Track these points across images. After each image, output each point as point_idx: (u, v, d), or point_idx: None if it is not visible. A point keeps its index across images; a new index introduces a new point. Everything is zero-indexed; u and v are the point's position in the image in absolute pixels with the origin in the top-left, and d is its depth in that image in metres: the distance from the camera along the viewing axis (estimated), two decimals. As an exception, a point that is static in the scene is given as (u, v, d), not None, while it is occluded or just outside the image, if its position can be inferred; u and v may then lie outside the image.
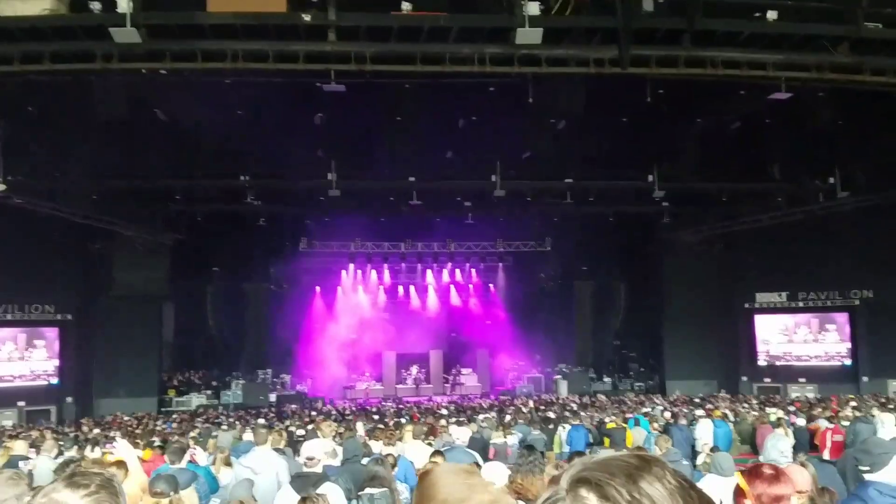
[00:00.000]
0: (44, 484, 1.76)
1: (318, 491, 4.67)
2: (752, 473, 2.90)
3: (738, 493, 2.89)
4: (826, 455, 10.25)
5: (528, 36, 12.10)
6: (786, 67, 13.82)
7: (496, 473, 5.10)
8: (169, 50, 12.50)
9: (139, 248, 25.05)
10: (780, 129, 21.01)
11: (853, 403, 15.87)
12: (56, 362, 25.33)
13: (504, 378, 32.14)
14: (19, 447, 8.99)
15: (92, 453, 10.02)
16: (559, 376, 29.87)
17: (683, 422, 13.31)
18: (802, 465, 5.90)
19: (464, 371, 31.74)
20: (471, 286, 33.44)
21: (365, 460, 7.07)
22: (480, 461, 7.09)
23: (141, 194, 22.61)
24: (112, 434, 14.65)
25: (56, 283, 24.74)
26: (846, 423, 11.28)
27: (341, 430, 12.59)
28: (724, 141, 22.66)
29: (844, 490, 5.89)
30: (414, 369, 31.31)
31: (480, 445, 10.29)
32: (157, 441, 12.36)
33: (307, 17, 12.05)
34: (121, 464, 4.58)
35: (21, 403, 24.08)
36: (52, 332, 25.43)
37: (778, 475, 2.84)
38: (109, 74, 14.20)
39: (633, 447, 12.13)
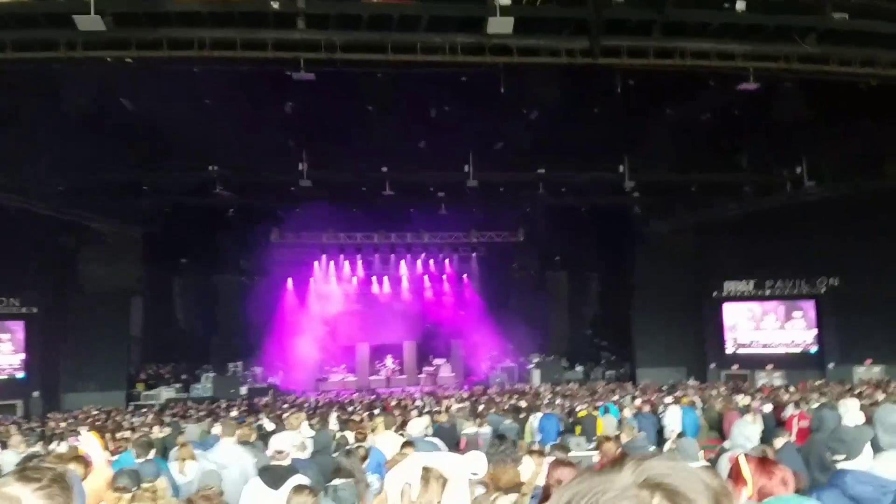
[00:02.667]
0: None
1: (286, 483, 4.64)
2: (761, 468, 2.85)
3: (737, 477, 2.85)
4: (792, 440, 10.41)
5: (500, 25, 12.09)
6: (754, 58, 13.99)
7: (476, 463, 5.12)
8: (134, 38, 12.30)
9: (108, 242, 24.65)
10: (749, 121, 21.28)
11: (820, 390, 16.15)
12: (22, 356, 24.91)
13: (478, 368, 32.25)
14: (-18, 443, 8.85)
15: (58, 448, 9.87)
16: (532, 365, 30.03)
17: (647, 409, 13.49)
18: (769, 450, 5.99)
19: (437, 361, 31.78)
20: (444, 277, 33.45)
21: (337, 454, 7.04)
22: (445, 450, 7.11)
23: (109, 187, 22.22)
24: (79, 429, 14.44)
25: (23, 276, 24.27)
26: (814, 408, 11.48)
27: (314, 422, 12.52)
28: (694, 132, 22.86)
29: (807, 476, 5.98)
30: (388, 360, 31.28)
31: (451, 436, 10.30)
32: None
33: (276, 5, 11.92)
34: (80, 459, 4.50)
35: (-14, 398, 23.67)
36: (17, 326, 24.98)
37: (786, 481, 2.81)
38: (75, 65, 13.91)
39: (602, 435, 12.26)
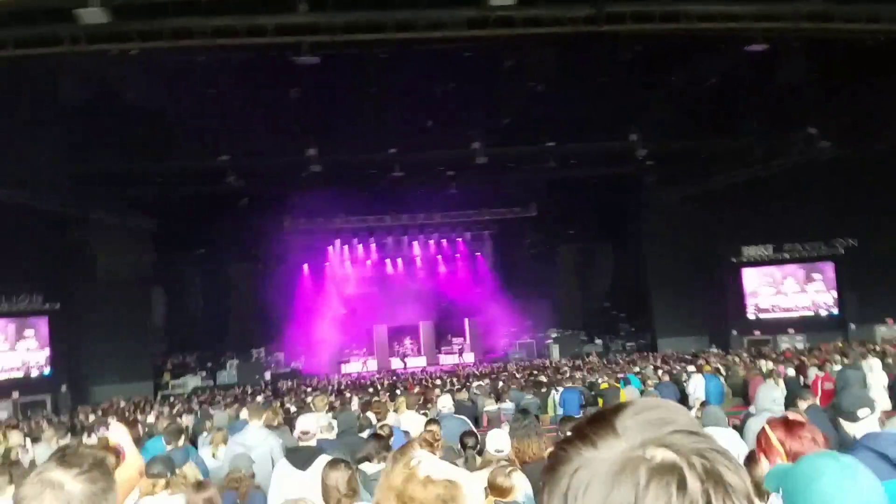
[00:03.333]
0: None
1: (314, 464, 4.67)
2: (789, 431, 2.81)
3: (768, 447, 2.81)
4: (817, 402, 10.37)
5: (503, -3, 11.96)
6: (760, 18, 13.75)
7: (501, 441, 5.15)
8: (137, 30, 12.27)
9: (121, 234, 24.80)
10: (758, 84, 21.01)
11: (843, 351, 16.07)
12: (47, 352, 25.22)
13: (495, 345, 32.33)
14: (15, 438, 9.01)
15: (88, 439, 10.00)
16: (551, 341, 30.06)
17: (667, 378, 13.48)
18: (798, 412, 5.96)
19: (455, 340, 31.88)
20: (458, 256, 33.44)
21: (364, 433, 7.09)
22: (471, 425, 7.15)
23: (120, 179, 22.33)
24: (109, 420, 14.64)
25: (42, 273, 24.49)
26: (837, 369, 11.43)
27: (336, 403, 12.62)
28: (701, 98, 22.63)
29: (836, 437, 5.95)
30: (406, 341, 31.43)
31: (472, 413, 10.35)
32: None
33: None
34: (111, 450, 4.55)
35: (15, 395, 24.00)
36: (41, 322, 25.27)
37: (817, 440, 2.77)
38: (80, 58, 13.94)
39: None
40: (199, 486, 4.28)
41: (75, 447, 7.21)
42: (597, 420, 0.80)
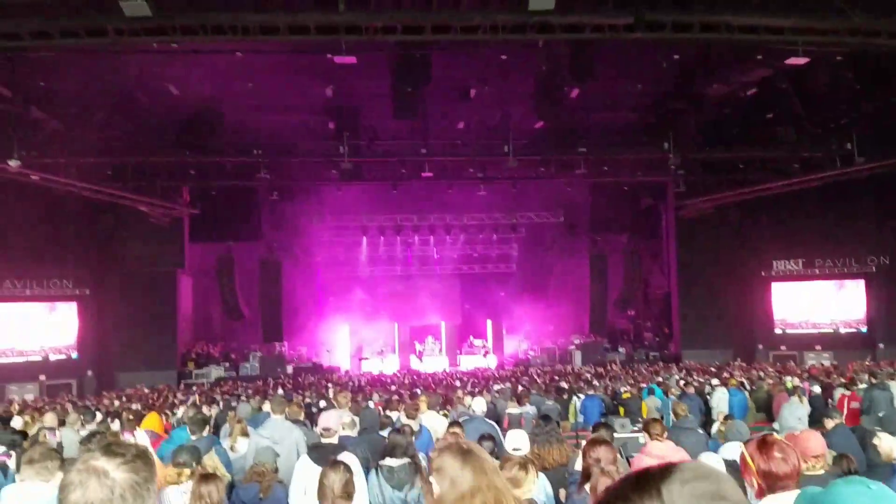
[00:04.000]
0: (71, 455, 1.82)
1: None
2: (760, 450, 2.79)
3: (743, 465, 2.83)
4: (843, 421, 10.23)
5: (542, 2, 11.91)
6: (802, 32, 13.55)
7: (520, 441, 5.16)
8: (179, 24, 12.42)
9: (154, 222, 25.15)
10: (796, 95, 20.75)
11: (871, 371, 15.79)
12: (75, 337, 25.70)
13: (518, 349, 32.27)
14: (49, 419, 9.18)
15: (114, 425, 10.17)
16: (573, 346, 29.92)
17: (691, 390, 13.36)
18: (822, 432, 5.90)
19: (477, 342, 31.87)
20: (484, 258, 33.38)
21: (385, 431, 7.12)
22: (499, 431, 7.15)
23: (155, 169, 22.67)
24: (134, 406, 14.87)
25: (73, 258, 24.96)
26: (864, 388, 11.27)
27: (357, 400, 12.69)
28: (738, 108, 22.40)
29: (864, 457, 5.88)
30: (429, 340, 31.48)
31: (494, 416, 10.36)
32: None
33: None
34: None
35: (42, 377, 24.50)
36: (70, 307, 25.75)
37: (787, 459, 2.74)
38: (122, 50, 14.18)
39: (647, 416, 12.19)
40: (204, 478, 4.36)
41: (104, 433, 7.35)
42: (641, 484, 0.74)
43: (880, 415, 7.98)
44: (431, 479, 2.31)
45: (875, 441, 4.86)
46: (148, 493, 1.58)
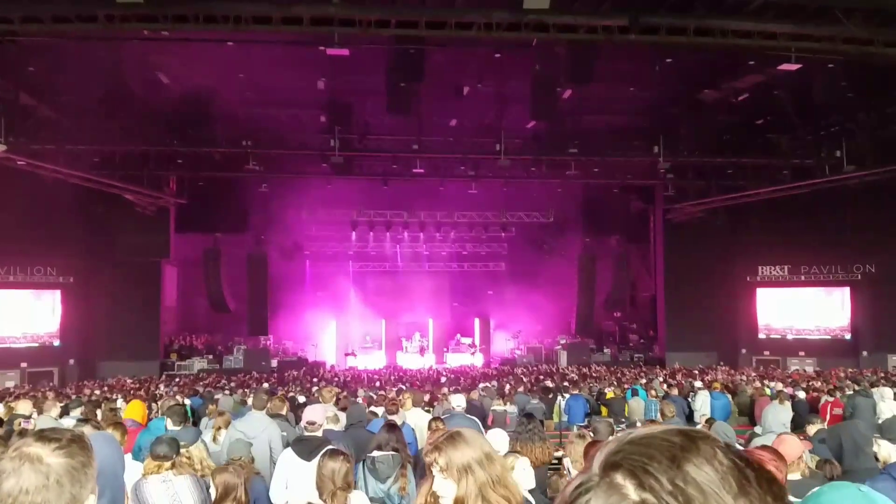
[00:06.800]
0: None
1: (319, 455, 4.67)
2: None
3: None
4: (825, 426, 10.29)
5: (537, 1, 11.89)
6: (797, 38, 13.59)
7: (498, 440, 5.12)
8: (171, 12, 12.31)
9: (141, 212, 24.95)
10: (787, 102, 20.85)
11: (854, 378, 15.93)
12: (58, 325, 25.47)
13: (504, 348, 32.29)
14: (23, 407, 9.03)
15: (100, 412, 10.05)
16: (559, 347, 29.98)
17: (675, 392, 13.40)
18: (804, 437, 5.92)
19: (464, 340, 31.86)
20: (473, 256, 33.37)
21: (370, 426, 7.08)
22: (481, 427, 7.12)
23: (144, 158, 22.49)
24: (114, 397, 14.74)
25: (59, 246, 24.70)
26: (848, 395, 11.35)
27: (342, 395, 12.63)
28: (730, 113, 22.47)
29: (842, 463, 5.91)
30: (416, 337, 31.44)
31: (480, 413, 10.32)
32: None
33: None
34: (119, 426, 4.57)
35: (23, 365, 24.28)
36: (54, 295, 25.53)
37: (779, 466, 2.72)
38: (113, 37, 14.04)
39: (630, 417, 12.23)
40: (220, 469, 4.33)
41: (91, 421, 7.24)
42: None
43: (880, 421, 8.02)
44: (440, 477, 2.24)
45: (874, 448, 4.87)
46: (86, 477, 1.53)
